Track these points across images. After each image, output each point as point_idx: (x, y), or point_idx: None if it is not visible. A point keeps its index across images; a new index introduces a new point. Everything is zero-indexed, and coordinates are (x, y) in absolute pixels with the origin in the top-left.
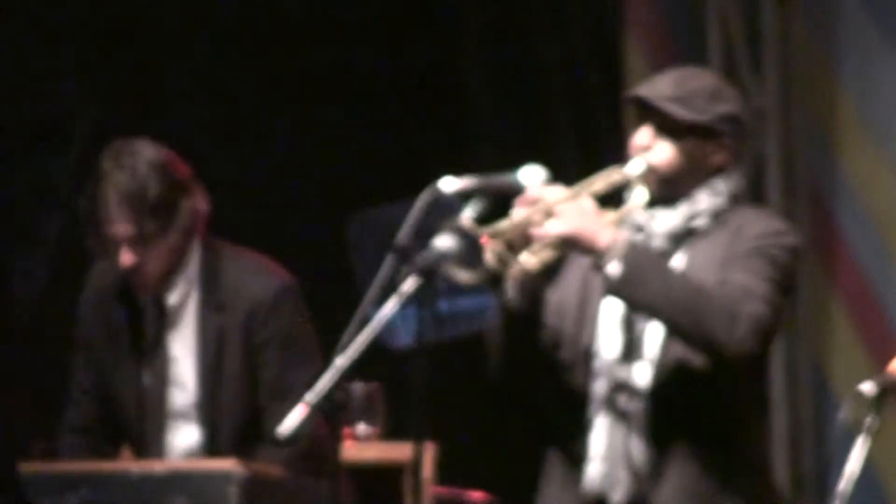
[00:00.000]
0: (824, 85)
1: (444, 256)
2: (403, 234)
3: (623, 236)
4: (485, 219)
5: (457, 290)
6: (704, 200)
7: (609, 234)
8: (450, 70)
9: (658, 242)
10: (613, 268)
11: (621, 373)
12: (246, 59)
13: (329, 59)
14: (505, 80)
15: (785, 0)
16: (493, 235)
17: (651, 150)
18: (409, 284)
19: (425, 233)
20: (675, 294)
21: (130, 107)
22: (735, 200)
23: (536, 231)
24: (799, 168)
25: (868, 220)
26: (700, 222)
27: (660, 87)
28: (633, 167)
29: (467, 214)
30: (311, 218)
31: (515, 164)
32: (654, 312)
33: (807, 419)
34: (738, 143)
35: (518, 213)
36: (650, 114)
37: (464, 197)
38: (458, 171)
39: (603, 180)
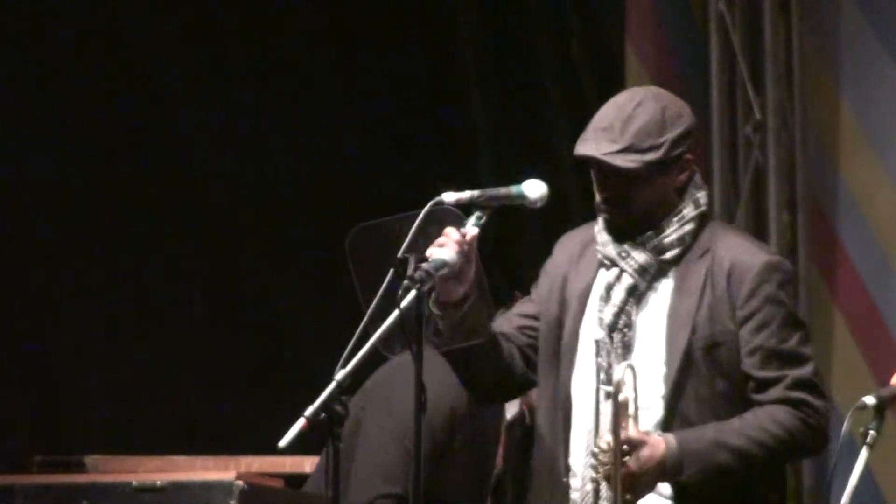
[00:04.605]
0: (825, 98)
1: (443, 269)
2: (404, 247)
3: (661, 457)
4: (486, 230)
5: None
6: (673, 232)
7: (658, 472)
8: (449, 79)
9: (632, 280)
10: (685, 479)
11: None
12: (244, 65)
13: (329, 67)
14: (504, 89)
15: (786, 13)
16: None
17: (623, 202)
18: (409, 297)
19: (428, 245)
20: (747, 456)
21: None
22: (703, 219)
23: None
24: (800, 181)
25: (869, 232)
26: (670, 255)
27: (605, 142)
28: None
29: (469, 227)
30: (310, 229)
31: (514, 172)
32: (741, 472)
33: None
34: (695, 151)
35: None
36: (600, 166)
37: (465, 209)
38: (457, 181)
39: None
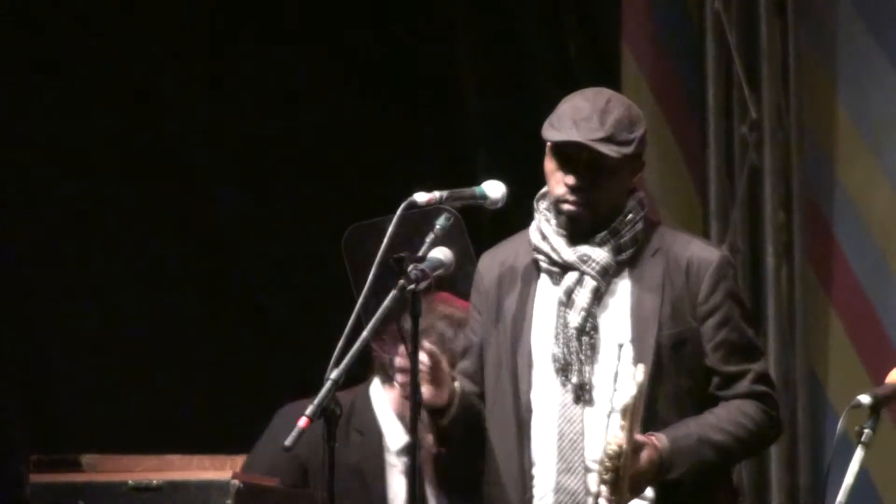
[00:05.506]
0: (821, 98)
1: (440, 269)
2: (383, 247)
3: (657, 458)
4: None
5: None
6: (627, 231)
7: (655, 473)
8: (447, 79)
9: (595, 283)
10: (674, 476)
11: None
12: (241, 65)
13: (326, 66)
14: (502, 89)
15: (782, 13)
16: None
17: (593, 194)
18: (402, 296)
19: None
20: (727, 450)
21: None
22: (646, 219)
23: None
24: (796, 181)
25: (866, 233)
26: (626, 255)
27: (587, 129)
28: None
29: (439, 226)
30: (307, 228)
31: (513, 171)
32: (719, 466)
33: (803, 431)
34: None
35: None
36: (579, 153)
37: (436, 209)
38: (456, 181)
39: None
